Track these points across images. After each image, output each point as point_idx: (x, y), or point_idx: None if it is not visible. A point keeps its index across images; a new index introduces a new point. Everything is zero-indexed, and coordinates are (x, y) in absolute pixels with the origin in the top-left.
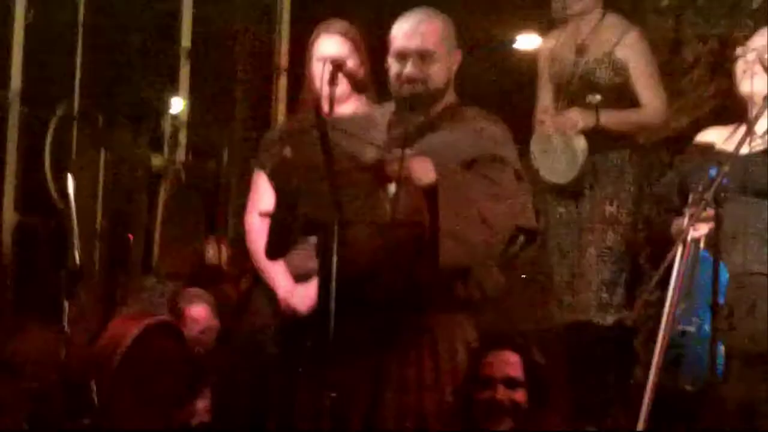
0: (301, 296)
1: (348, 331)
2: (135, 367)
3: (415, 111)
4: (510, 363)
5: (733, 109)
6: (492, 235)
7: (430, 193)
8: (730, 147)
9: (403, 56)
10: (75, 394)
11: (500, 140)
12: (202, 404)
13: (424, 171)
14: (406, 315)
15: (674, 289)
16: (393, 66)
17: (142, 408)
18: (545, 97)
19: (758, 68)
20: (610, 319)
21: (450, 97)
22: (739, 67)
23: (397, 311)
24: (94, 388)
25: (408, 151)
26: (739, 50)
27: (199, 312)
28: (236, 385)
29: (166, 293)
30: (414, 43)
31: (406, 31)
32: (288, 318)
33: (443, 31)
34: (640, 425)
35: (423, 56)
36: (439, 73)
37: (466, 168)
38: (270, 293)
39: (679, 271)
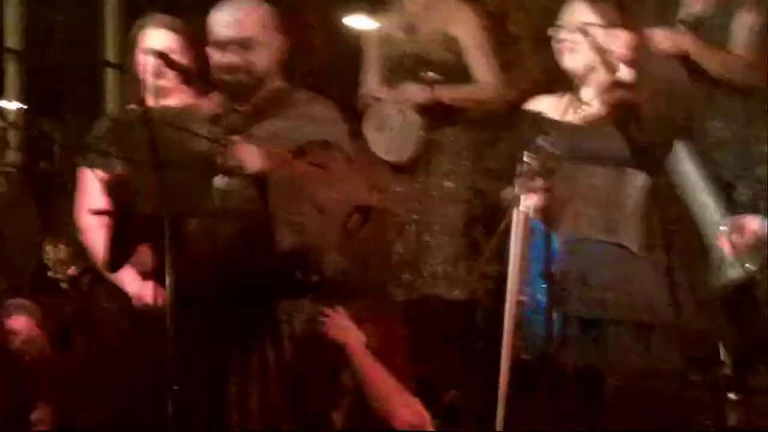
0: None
1: (194, 324)
2: None
3: (239, 99)
4: None
5: (560, 80)
6: (327, 220)
7: (261, 181)
8: (557, 116)
9: (221, 45)
10: None
11: (330, 124)
12: (38, 415)
13: (251, 159)
14: (249, 305)
15: (515, 257)
16: (213, 55)
17: None
18: (372, 78)
19: (573, 44)
20: (456, 293)
21: (277, 83)
22: (555, 44)
23: (239, 301)
24: None
25: (235, 138)
26: (550, 30)
27: (18, 323)
28: (91, 389)
29: None
30: (231, 32)
31: (222, 20)
32: (142, 314)
33: (262, 18)
34: (502, 395)
35: (241, 44)
36: (261, 59)
37: (296, 155)
38: (114, 290)
39: (516, 241)
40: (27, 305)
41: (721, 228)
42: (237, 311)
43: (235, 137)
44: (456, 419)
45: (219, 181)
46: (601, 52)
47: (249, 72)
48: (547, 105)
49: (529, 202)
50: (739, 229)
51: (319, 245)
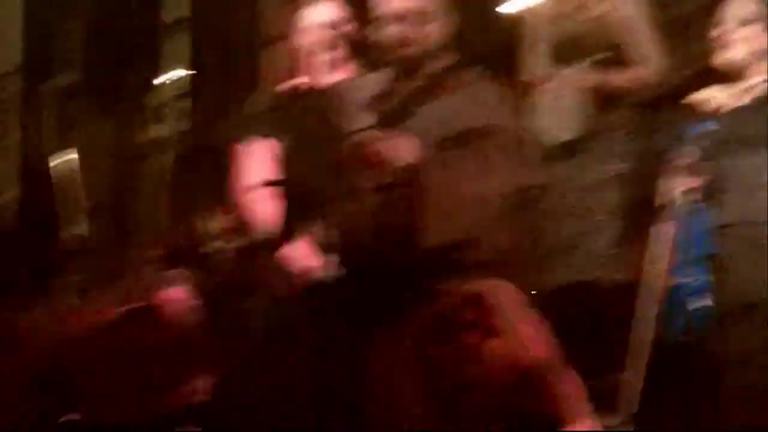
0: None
1: (361, 302)
2: (115, 355)
3: (411, 75)
4: None
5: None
6: (483, 209)
7: (411, 172)
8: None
9: (395, 18)
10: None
11: (497, 106)
12: (199, 385)
13: (406, 151)
14: (416, 283)
15: (665, 239)
16: (384, 29)
17: (128, 396)
18: (536, 59)
19: (730, 38)
20: (618, 276)
21: (445, 60)
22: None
23: (407, 279)
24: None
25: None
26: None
27: (177, 293)
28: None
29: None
30: (408, 3)
31: None
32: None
33: None
34: (639, 380)
35: (417, 15)
36: (434, 33)
37: (459, 141)
38: (275, 265)
39: (669, 223)
40: (184, 275)
41: None
42: (393, 291)
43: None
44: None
45: None
46: (759, 49)
47: (422, 45)
48: (708, 95)
49: (688, 186)
50: None
51: (474, 234)
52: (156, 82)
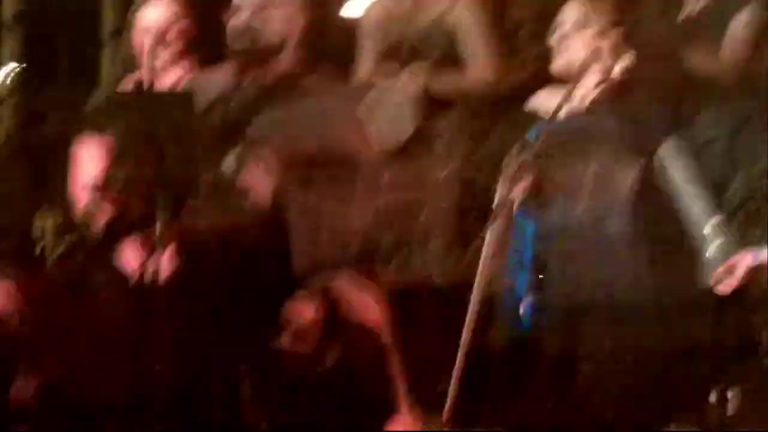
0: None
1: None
2: None
3: (252, 69)
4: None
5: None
6: (349, 236)
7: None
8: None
9: (237, 8)
10: None
11: (346, 123)
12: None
13: (262, 188)
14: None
15: (490, 243)
16: (228, 21)
17: None
18: (365, 64)
19: (568, 43)
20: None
21: (293, 60)
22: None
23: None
24: None
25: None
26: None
27: None
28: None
29: None
30: None
31: None
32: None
33: None
34: (454, 385)
35: (260, 6)
36: (279, 24)
37: (314, 159)
38: (109, 263)
39: (495, 227)
40: (5, 274)
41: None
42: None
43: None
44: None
45: (227, 165)
46: (596, 51)
47: (266, 37)
48: (544, 98)
49: (517, 191)
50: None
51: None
52: None
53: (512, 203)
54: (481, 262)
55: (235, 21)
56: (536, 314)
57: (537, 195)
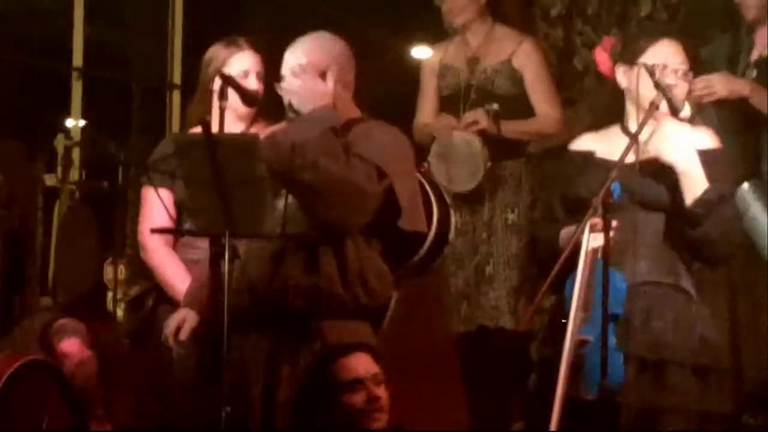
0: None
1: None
2: (11, 408)
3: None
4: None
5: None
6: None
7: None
8: (610, 154)
9: (293, 73)
10: None
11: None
12: None
13: None
14: (298, 323)
15: (579, 295)
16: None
17: None
18: (426, 108)
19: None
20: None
21: (351, 112)
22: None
23: (289, 319)
24: None
25: None
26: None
27: (70, 345)
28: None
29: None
30: (300, 59)
31: (294, 48)
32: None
33: (332, 45)
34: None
35: (308, 70)
36: (329, 85)
37: None
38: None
39: (581, 279)
40: (76, 326)
41: None
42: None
43: None
44: None
45: (279, 203)
46: (669, 93)
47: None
48: (596, 142)
49: (594, 243)
50: None
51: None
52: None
53: (595, 251)
54: (572, 310)
55: (286, 83)
56: (622, 368)
57: (612, 246)
